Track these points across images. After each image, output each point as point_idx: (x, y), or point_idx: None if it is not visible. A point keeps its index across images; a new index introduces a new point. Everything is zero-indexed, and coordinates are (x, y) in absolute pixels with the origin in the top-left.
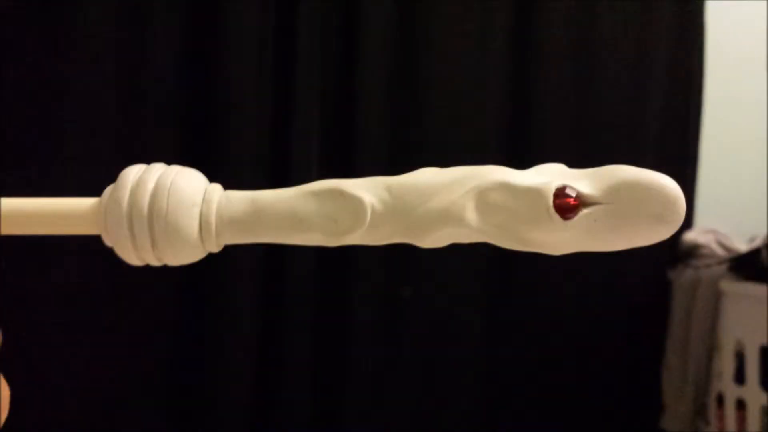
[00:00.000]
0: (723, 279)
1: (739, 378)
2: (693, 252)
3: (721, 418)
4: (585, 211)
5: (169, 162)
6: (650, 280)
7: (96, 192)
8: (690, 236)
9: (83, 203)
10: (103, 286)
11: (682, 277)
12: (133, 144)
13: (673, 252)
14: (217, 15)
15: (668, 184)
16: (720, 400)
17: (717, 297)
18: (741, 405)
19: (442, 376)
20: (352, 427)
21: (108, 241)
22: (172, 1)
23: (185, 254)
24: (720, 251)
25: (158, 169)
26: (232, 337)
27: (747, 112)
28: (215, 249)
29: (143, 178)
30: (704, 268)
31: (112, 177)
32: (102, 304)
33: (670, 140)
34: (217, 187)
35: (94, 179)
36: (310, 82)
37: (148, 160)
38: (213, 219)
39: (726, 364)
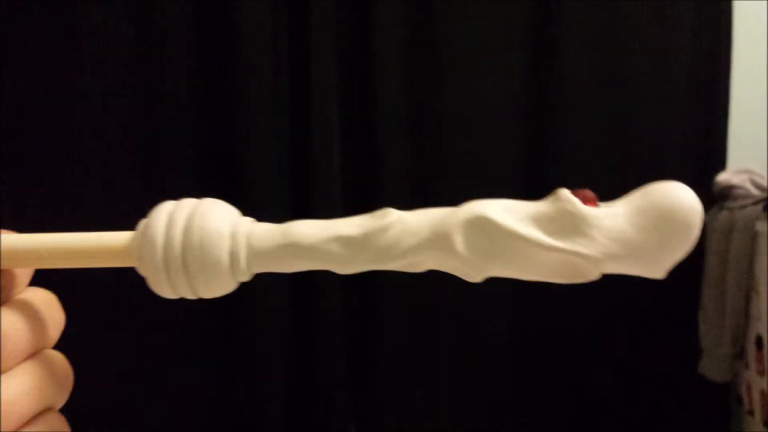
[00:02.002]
0: (758, 219)
1: None
2: (727, 193)
3: (760, 360)
4: None
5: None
6: None
7: (113, 205)
8: (723, 177)
9: (118, 238)
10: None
11: (716, 219)
12: (147, 149)
13: (707, 194)
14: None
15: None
16: (759, 342)
17: (753, 238)
18: None
19: (473, 329)
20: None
21: (143, 273)
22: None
23: (218, 286)
24: (755, 191)
25: (189, 205)
26: (264, 341)
27: None
28: (246, 278)
29: (174, 217)
30: (739, 210)
31: (128, 185)
32: (127, 309)
33: (701, 80)
34: (245, 221)
35: (110, 189)
36: (326, 80)
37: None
38: (242, 253)
39: (764, 306)
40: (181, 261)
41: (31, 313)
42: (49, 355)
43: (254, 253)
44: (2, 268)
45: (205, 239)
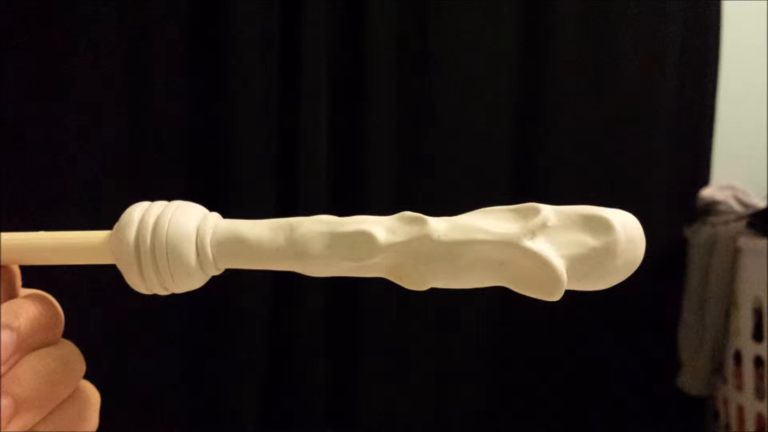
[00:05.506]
0: (741, 236)
1: (758, 335)
2: (710, 209)
3: (738, 375)
4: None
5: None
6: (666, 237)
7: (107, 199)
8: (707, 193)
9: (96, 236)
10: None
11: (698, 234)
12: (136, 150)
13: (690, 209)
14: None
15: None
16: (738, 357)
17: (734, 254)
18: (759, 362)
19: (455, 334)
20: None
21: (120, 270)
22: (174, 8)
23: (187, 280)
24: (738, 207)
25: (160, 205)
26: (243, 337)
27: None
28: (215, 272)
29: (146, 215)
30: (722, 225)
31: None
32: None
33: (687, 95)
34: (213, 216)
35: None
36: (316, 86)
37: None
38: (208, 246)
39: (744, 322)
40: (150, 257)
41: (39, 307)
42: (53, 352)
43: (219, 246)
44: None
45: (171, 234)
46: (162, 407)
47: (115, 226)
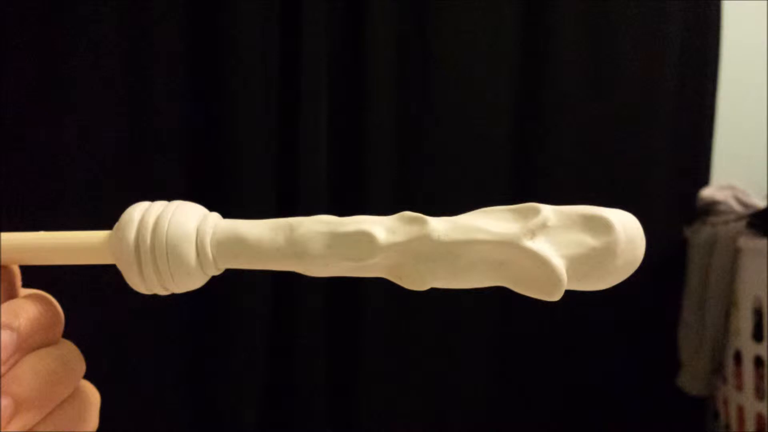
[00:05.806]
0: (741, 236)
1: (758, 335)
2: (710, 209)
3: (738, 375)
4: None
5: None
6: (666, 237)
7: (107, 199)
8: (707, 193)
9: (96, 236)
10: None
11: (699, 234)
12: (137, 149)
13: (690, 209)
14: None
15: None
16: (738, 357)
17: (735, 254)
18: (759, 362)
19: (455, 334)
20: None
21: (120, 269)
22: (174, 8)
23: (187, 280)
24: (738, 207)
25: (160, 205)
26: (243, 336)
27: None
28: (215, 272)
29: (146, 215)
30: (722, 225)
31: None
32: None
33: (687, 95)
34: (213, 216)
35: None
36: (316, 85)
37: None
38: (208, 246)
39: (744, 321)
40: (150, 256)
41: (39, 307)
42: (53, 352)
43: (219, 246)
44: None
45: (171, 234)
46: (162, 407)
47: (115, 226)
